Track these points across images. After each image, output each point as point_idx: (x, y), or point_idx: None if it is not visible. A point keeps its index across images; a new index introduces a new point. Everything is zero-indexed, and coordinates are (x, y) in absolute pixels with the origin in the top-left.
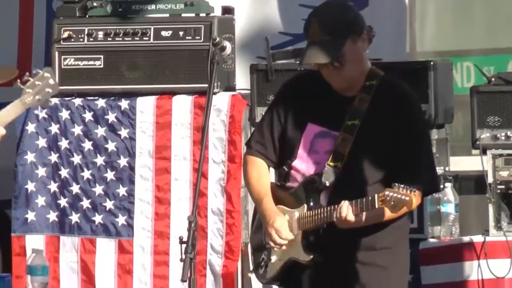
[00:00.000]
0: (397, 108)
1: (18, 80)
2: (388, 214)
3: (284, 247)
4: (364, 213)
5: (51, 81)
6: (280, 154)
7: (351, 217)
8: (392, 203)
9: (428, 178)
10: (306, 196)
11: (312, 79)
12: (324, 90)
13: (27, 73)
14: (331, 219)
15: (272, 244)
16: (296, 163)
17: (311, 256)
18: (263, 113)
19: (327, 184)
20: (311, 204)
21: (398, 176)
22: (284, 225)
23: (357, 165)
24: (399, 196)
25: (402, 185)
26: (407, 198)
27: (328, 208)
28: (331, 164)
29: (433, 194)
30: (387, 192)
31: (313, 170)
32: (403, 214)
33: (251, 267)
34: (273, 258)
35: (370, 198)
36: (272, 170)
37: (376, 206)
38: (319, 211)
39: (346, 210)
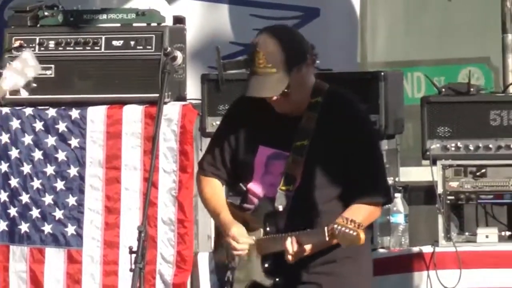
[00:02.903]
0: (345, 123)
1: None
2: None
3: (245, 255)
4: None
5: (31, 62)
6: (235, 176)
7: (296, 249)
8: (341, 236)
9: (384, 190)
10: (262, 220)
11: (256, 102)
12: (271, 112)
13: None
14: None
15: (234, 252)
16: (251, 185)
17: (272, 281)
18: (213, 135)
19: (280, 208)
20: (268, 229)
21: (354, 191)
22: (240, 232)
23: (310, 185)
24: (347, 230)
25: (350, 219)
26: (355, 234)
27: (283, 235)
28: (283, 188)
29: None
30: (335, 226)
31: (268, 192)
32: None
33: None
34: (237, 279)
35: (319, 230)
36: None
37: (326, 239)
38: (274, 236)
39: (291, 245)
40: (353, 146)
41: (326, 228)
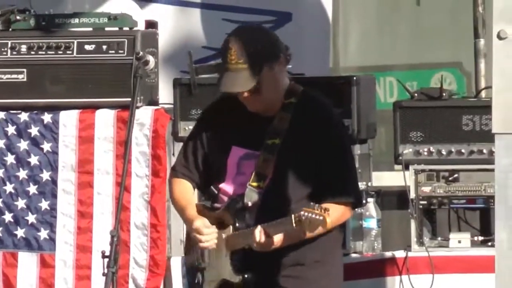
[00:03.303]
0: (318, 124)
1: None
2: (308, 233)
3: (212, 246)
4: (282, 234)
5: None
6: (207, 178)
7: (263, 240)
8: (307, 222)
9: (354, 191)
10: (232, 217)
11: (232, 102)
12: (244, 112)
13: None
14: (250, 242)
15: (200, 245)
16: (223, 185)
17: (240, 277)
18: (186, 138)
19: (250, 204)
20: (237, 225)
21: (325, 191)
22: (203, 223)
23: (280, 183)
24: (314, 216)
25: (317, 205)
26: (321, 218)
27: (252, 228)
28: (253, 184)
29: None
30: (302, 212)
31: (238, 191)
32: (331, 229)
33: None
34: (207, 279)
35: (286, 218)
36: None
37: (294, 226)
38: (244, 231)
39: (259, 234)
40: (325, 148)
41: (292, 215)
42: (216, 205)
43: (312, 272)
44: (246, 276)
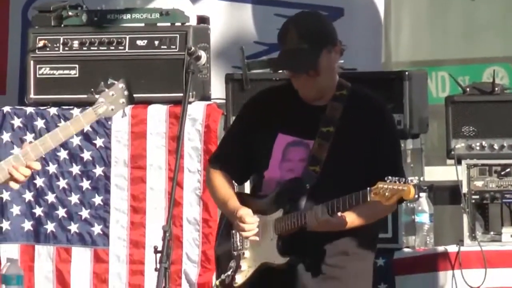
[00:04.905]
0: (370, 115)
1: (92, 90)
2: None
3: (254, 237)
4: (346, 215)
5: (126, 92)
6: (247, 169)
7: (323, 218)
8: (387, 194)
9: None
10: (282, 200)
11: (277, 93)
12: (292, 101)
13: (102, 83)
14: (307, 221)
15: (243, 234)
16: (268, 172)
17: (287, 259)
18: (227, 129)
19: (307, 186)
20: (288, 207)
21: (379, 177)
22: (246, 212)
23: (334, 170)
24: (395, 187)
25: (396, 178)
26: (405, 188)
27: (304, 212)
28: (311, 168)
29: (405, 202)
30: (380, 185)
31: (287, 176)
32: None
33: (216, 278)
34: (243, 266)
35: (360, 192)
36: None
37: (368, 199)
38: (295, 214)
39: (321, 211)
40: (379, 137)
41: (368, 188)
42: (262, 193)
43: (355, 264)
44: (292, 257)
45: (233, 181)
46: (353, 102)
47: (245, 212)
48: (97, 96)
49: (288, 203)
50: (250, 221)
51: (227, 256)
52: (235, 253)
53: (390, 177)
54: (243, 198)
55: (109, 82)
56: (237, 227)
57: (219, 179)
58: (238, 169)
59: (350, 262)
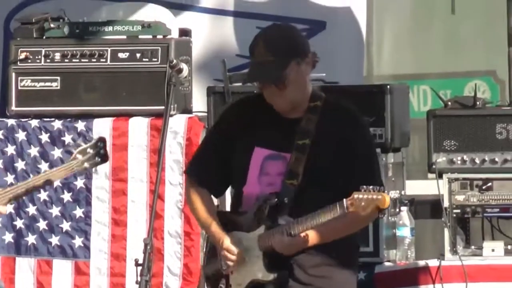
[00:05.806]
0: (346, 125)
1: (72, 144)
2: (362, 212)
3: (234, 267)
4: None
5: (102, 151)
6: (226, 181)
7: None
8: (363, 204)
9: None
10: (262, 217)
11: (253, 103)
12: (268, 114)
13: (80, 138)
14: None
15: (229, 263)
16: (247, 187)
17: (275, 274)
18: (202, 141)
19: (286, 201)
20: (269, 223)
21: (356, 186)
22: (231, 243)
23: (312, 183)
24: (370, 196)
25: (370, 187)
26: (380, 197)
27: (292, 220)
28: (288, 181)
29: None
30: (356, 195)
31: (267, 191)
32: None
33: None
34: (233, 284)
35: (337, 203)
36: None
37: (346, 211)
38: (277, 229)
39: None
40: (353, 149)
41: (345, 200)
42: (242, 209)
43: (341, 273)
44: (279, 273)
45: (211, 194)
46: (327, 113)
47: (229, 243)
48: (73, 151)
49: (268, 220)
50: (234, 251)
51: (216, 275)
52: (224, 272)
53: (364, 186)
54: (225, 217)
55: (88, 139)
56: (224, 257)
57: (198, 200)
58: (215, 182)
59: (335, 272)
